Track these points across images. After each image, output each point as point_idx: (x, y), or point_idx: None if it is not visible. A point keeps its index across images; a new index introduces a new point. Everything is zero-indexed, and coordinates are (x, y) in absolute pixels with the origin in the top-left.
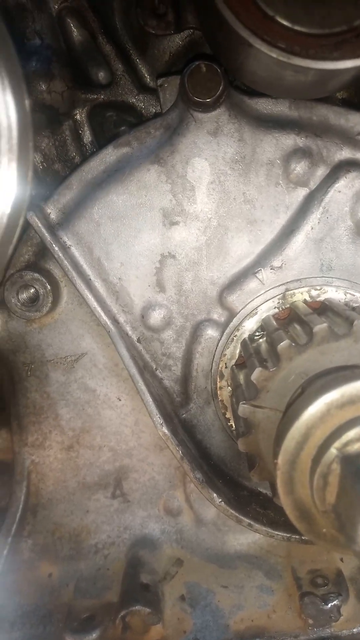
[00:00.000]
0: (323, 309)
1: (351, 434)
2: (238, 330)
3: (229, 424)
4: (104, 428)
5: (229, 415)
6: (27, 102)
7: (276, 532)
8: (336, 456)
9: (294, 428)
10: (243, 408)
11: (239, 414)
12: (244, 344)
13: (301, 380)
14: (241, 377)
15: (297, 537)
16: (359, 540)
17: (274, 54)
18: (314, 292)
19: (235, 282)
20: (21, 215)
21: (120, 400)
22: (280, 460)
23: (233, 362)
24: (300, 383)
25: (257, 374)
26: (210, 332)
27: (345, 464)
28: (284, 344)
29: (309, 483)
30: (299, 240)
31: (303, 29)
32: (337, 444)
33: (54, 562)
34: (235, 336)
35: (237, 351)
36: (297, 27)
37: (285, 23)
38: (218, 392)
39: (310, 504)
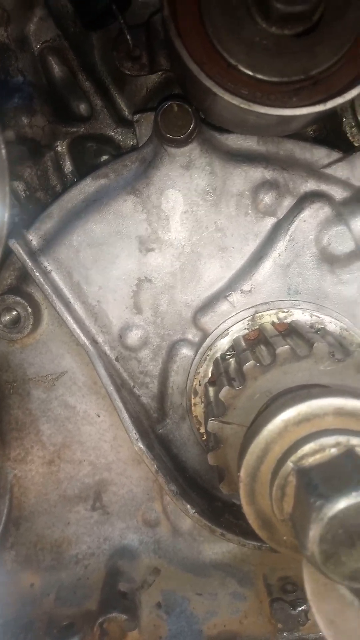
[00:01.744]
0: (289, 330)
1: (306, 448)
2: (211, 349)
3: (203, 438)
4: (84, 443)
5: (202, 430)
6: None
7: (247, 541)
8: (292, 469)
9: (254, 443)
10: (212, 424)
11: (209, 429)
12: (215, 362)
13: (266, 398)
14: (212, 394)
15: (267, 545)
16: (309, 546)
17: (237, 102)
18: (281, 315)
19: (208, 304)
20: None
21: (99, 416)
22: (242, 473)
23: (206, 379)
24: (265, 401)
25: (224, 392)
26: (185, 351)
27: (300, 476)
28: (249, 365)
29: (269, 494)
30: (267, 266)
31: (264, 77)
32: (293, 457)
33: (35, 573)
34: (208, 355)
35: (210, 369)
36: (258, 76)
37: (247, 72)
38: (192, 408)
39: (270, 513)
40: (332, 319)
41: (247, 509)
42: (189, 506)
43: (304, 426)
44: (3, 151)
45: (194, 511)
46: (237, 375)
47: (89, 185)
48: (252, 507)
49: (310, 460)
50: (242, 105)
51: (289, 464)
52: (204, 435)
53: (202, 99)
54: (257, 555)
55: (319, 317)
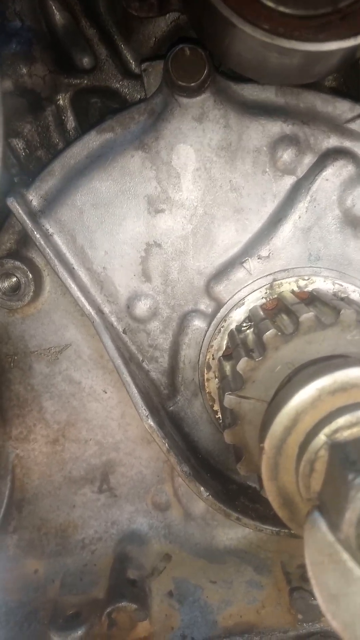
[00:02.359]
0: (311, 299)
1: (341, 421)
2: (225, 321)
3: (216, 416)
4: (90, 421)
5: (216, 407)
6: None
7: (265, 526)
8: (325, 443)
9: (283, 412)
10: (229, 399)
11: (225, 404)
12: (231, 334)
13: (287, 370)
14: (228, 368)
15: (286, 530)
16: (344, 528)
17: (258, 34)
18: (301, 282)
19: (223, 272)
20: None
21: (106, 392)
22: (267, 444)
23: (220, 353)
24: (287, 373)
25: (242, 364)
26: (197, 323)
27: (334, 451)
28: (270, 333)
29: (295, 469)
30: (287, 229)
31: (287, 10)
32: (327, 430)
33: (40, 558)
34: (222, 327)
35: (225, 342)
36: (281, 8)
37: (269, 4)
38: (205, 383)
39: (294, 491)
40: (355, 288)
41: (268, 485)
42: (202, 488)
43: (340, 396)
44: None
45: (207, 494)
46: (256, 346)
47: (93, 140)
48: (274, 483)
49: (346, 434)
50: (264, 39)
51: (321, 437)
52: (218, 413)
53: (219, 37)
54: (274, 542)
55: (342, 286)
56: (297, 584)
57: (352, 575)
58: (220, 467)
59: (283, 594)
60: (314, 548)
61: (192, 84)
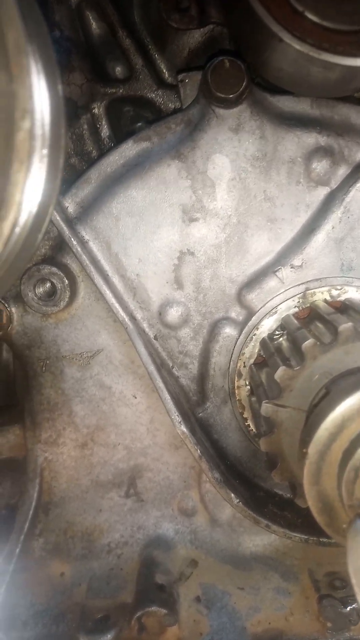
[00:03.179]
0: (344, 308)
1: None
2: (257, 329)
3: (246, 424)
4: (119, 426)
5: (246, 415)
6: (60, 89)
7: (294, 534)
8: None
9: (329, 418)
10: (266, 407)
11: (262, 412)
12: (263, 342)
13: (325, 379)
14: (263, 376)
15: (314, 538)
16: None
17: (305, 49)
18: (334, 292)
19: (255, 280)
20: (48, 214)
21: (135, 397)
22: (311, 449)
23: (252, 361)
24: (324, 383)
25: (280, 372)
26: (229, 331)
27: None
28: (308, 343)
29: (337, 475)
30: (320, 239)
31: (332, 25)
32: None
33: (66, 561)
34: (254, 335)
35: (256, 350)
36: (325, 23)
37: (314, 19)
38: (236, 391)
39: (334, 497)
40: None
41: (309, 490)
42: (233, 495)
43: None
44: (60, 93)
45: (238, 500)
46: (292, 355)
47: (130, 149)
48: (315, 488)
49: None
50: (311, 54)
51: None
52: (248, 421)
53: (261, 50)
54: (300, 549)
55: None
56: (326, 592)
57: None
58: (248, 474)
59: (311, 602)
60: (358, 555)
61: (231, 96)
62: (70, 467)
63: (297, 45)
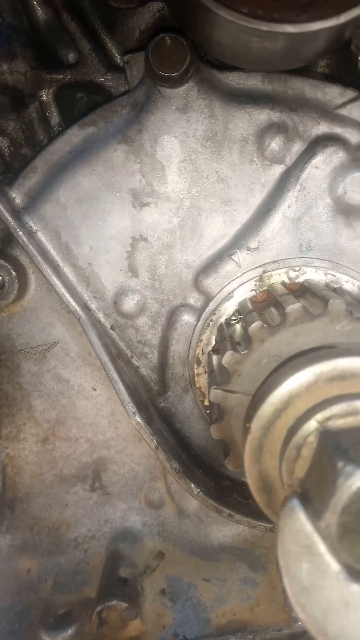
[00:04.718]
0: (302, 290)
1: (336, 409)
2: (214, 314)
3: (207, 412)
4: (80, 419)
5: (207, 402)
6: None
7: (258, 522)
8: (316, 429)
9: (275, 393)
10: (215, 393)
11: (211, 399)
12: (220, 328)
13: (275, 363)
14: (215, 362)
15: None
16: (326, 516)
17: (234, 18)
18: (292, 274)
19: (211, 265)
20: None
21: (95, 390)
22: (254, 424)
23: (210, 347)
24: (274, 366)
25: (227, 357)
26: (187, 318)
27: (324, 438)
28: (255, 325)
29: (280, 454)
30: (276, 219)
31: None
32: (319, 416)
33: (32, 557)
34: (211, 321)
35: (214, 336)
36: None
37: None
38: (196, 379)
39: (275, 476)
40: (349, 278)
41: (249, 467)
42: (193, 485)
43: (337, 385)
44: None
45: (198, 490)
46: (242, 339)
47: (75, 135)
48: (256, 465)
49: (339, 423)
50: (241, 23)
51: (313, 423)
52: (209, 408)
53: (198, 25)
54: (269, 538)
55: (335, 276)
56: None
57: (327, 569)
58: (212, 463)
59: (278, 592)
60: (290, 536)
61: (174, 74)
62: (32, 463)
63: (227, 15)
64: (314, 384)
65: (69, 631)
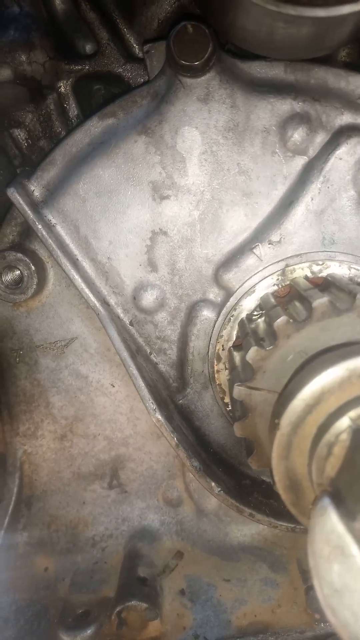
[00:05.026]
0: (326, 284)
1: None
2: (235, 310)
3: (228, 409)
4: (98, 416)
5: (227, 399)
6: None
7: (280, 523)
8: (349, 426)
9: (306, 388)
10: (238, 390)
11: (234, 396)
12: (241, 323)
13: (301, 359)
14: (237, 359)
15: (302, 527)
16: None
17: (262, 2)
18: (315, 268)
19: (232, 259)
20: None
21: (113, 386)
22: (284, 420)
23: (230, 343)
24: (300, 363)
25: (252, 353)
26: (206, 313)
27: (359, 435)
28: (281, 321)
29: (309, 451)
30: (299, 212)
31: None
32: (353, 413)
33: (50, 556)
34: (232, 316)
35: (235, 332)
36: None
37: None
38: (216, 375)
39: (303, 474)
40: None
41: (277, 464)
42: (213, 483)
43: None
44: None
45: (219, 489)
46: (266, 335)
47: (95, 126)
48: (284, 463)
49: None
50: (269, 7)
51: (346, 420)
52: (229, 405)
53: (222, 11)
54: (290, 538)
55: (359, 270)
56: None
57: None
58: (232, 461)
59: (299, 593)
60: (321, 537)
61: (196, 63)
62: (50, 460)
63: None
64: (347, 380)
65: (88, 631)
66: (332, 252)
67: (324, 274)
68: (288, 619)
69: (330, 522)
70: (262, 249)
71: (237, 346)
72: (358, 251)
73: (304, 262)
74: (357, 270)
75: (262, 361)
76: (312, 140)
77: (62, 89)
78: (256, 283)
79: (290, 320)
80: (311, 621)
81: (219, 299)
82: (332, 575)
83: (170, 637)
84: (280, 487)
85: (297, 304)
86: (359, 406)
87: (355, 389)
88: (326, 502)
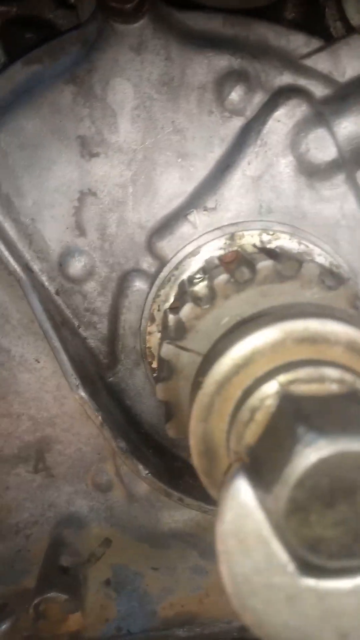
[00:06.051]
0: (274, 254)
1: (302, 373)
2: (177, 269)
3: (154, 375)
4: (22, 394)
5: (155, 365)
6: None
7: (209, 507)
8: (276, 392)
9: (236, 347)
10: (167, 348)
11: (161, 354)
12: (181, 284)
13: (234, 323)
14: (171, 318)
15: None
16: (277, 489)
17: None
18: (265, 237)
19: (166, 225)
20: None
21: (38, 362)
22: (208, 379)
23: (167, 305)
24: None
25: (187, 310)
26: (139, 284)
27: (285, 402)
28: (221, 279)
29: (230, 415)
30: (235, 177)
31: None
32: (282, 378)
33: None
34: (173, 276)
35: (174, 293)
36: None
37: None
38: (147, 337)
39: (220, 440)
40: (321, 251)
41: (194, 427)
42: (141, 466)
43: (306, 348)
44: None
45: (147, 472)
46: (205, 294)
47: (18, 72)
48: (202, 425)
49: (303, 388)
50: None
51: (274, 384)
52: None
53: None
54: None
55: (308, 247)
56: None
57: (275, 560)
58: (165, 443)
59: None
60: (231, 511)
61: (127, 5)
62: None
63: None
64: (281, 343)
65: (3, 626)
66: (270, 221)
67: (273, 245)
68: (216, 609)
69: (242, 494)
70: (197, 216)
71: (174, 309)
72: (295, 221)
73: (241, 230)
74: (307, 246)
75: (195, 320)
76: (250, 101)
77: None
78: (191, 251)
79: (231, 279)
80: None
81: (153, 269)
82: (244, 563)
83: (92, 631)
84: (194, 452)
85: (243, 268)
86: (289, 371)
87: (289, 354)
88: (239, 471)
